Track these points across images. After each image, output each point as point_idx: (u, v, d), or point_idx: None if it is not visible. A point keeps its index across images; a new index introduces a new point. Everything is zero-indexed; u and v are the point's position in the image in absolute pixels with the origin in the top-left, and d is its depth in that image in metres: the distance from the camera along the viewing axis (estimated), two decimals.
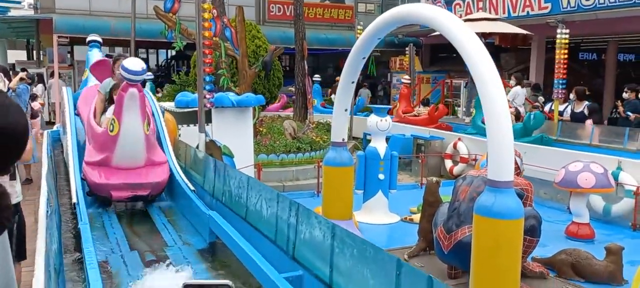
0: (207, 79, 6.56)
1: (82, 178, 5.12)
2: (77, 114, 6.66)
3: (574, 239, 6.18)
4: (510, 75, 12.35)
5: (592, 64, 21.00)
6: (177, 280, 3.35)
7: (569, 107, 10.45)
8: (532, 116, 9.34)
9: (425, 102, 13.19)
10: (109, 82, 5.77)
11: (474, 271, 3.82)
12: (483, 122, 11.00)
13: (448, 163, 10.07)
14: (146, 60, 26.87)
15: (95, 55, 7.79)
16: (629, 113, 8.96)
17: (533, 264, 5.13)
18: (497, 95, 3.75)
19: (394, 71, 19.92)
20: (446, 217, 4.95)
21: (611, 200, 6.93)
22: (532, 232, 4.59)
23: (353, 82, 5.65)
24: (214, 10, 9.07)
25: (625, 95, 9.32)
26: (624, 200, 6.82)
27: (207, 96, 6.56)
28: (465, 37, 3.98)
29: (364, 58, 5.46)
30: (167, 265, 3.60)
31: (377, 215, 6.88)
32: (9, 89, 8.72)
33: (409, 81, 13.90)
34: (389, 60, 21.11)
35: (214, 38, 9.13)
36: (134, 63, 4.87)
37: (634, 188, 6.64)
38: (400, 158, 10.71)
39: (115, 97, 5.17)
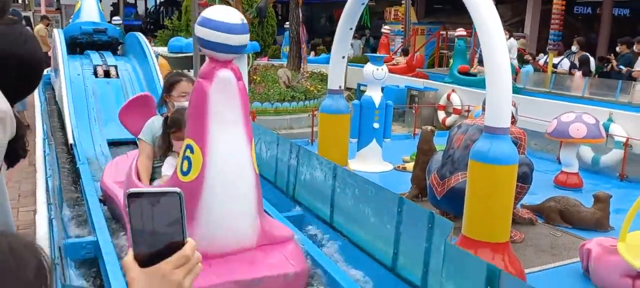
0: None
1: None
2: (102, 201, 3.80)
3: (562, 188, 6.32)
4: (509, 31, 12.25)
5: (587, 18, 20.87)
6: None
7: (565, 60, 10.46)
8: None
9: (405, 52, 13.11)
10: (156, 122, 3.52)
11: (467, 215, 3.92)
12: (459, 72, 11.38)
13: (441, 114, 10.13)
14: (134, 6, 26.27)
15: None
16: (622, 66, 9.00)
17: (522, 211, 5.26)
18: (498, 44, 3.75)
19: (389, 22, 19.67)
20: (440, 164, 5.03)
21: (600, 151, 7.05)
22: (524, 178, 4.69)
23: (351, 29, 5.60)
24: None
25: (618, 49, 9.35)
26: (612, 151, 6.94)
27: None
28: None
29: (363, 3, 5.40)
30: None
31: (371, 164, 6.95)
32: None
33: (388, 31, 13.96)
34: (383, 10, 20.80)
35: None
36: (224, 13, 2.52)
37: (623, 140, 6.75)
38: (394, 109, 10.77)
39: (174, 141, 3.26)
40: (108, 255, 2.52)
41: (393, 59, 13.18)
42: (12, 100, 1.51)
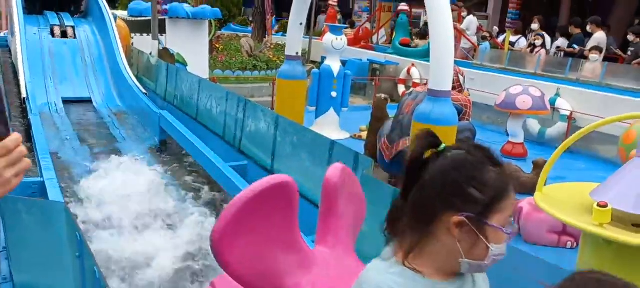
0: None
1: None
2: None
3: (509, 157, 6.61)
4: (469, 9, 12.54)
5: (547, 1, 21.36)
6: (126, 165, 3.52)
7: (522, 38, 10.78)
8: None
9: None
10: None
11: None
12: (400, 43, 11.93)
13: (401, 88, 10.34)
14: None
15: None
16: (575, 46, 9.37)
17: None
18: (443, 16, 3.93)
19: None
20: (390, 129, 5.22)
21: (546, 124, 7.39)
22: None
23: None
24: None
25: (570, 29, 9.74)
26: (557, 124, 7.28)
27: (160, 2, 6.47)
28: None
29: None
30: (120, 157, 3.74)
31: (328, 131, 7.09)
32: None
33: (335, 3, 14.49)
34: None
35: None
36: None
37: (568, 113, 7.08)
38: (355, 82, 10.96)
39: None
40: (53, 192, 2.62)
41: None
42: None
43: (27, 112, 4.31)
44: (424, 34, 11.28)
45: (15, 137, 0.85)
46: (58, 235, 1.61)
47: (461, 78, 5.45)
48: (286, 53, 5.87)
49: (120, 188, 3.31)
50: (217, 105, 3.71)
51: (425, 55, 10.06)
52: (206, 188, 3.59)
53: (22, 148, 0.87)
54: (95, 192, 3.34)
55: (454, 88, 5.24)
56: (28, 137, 3.94)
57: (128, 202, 3.20)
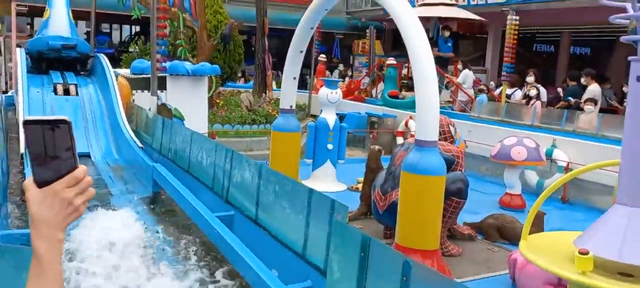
0: (160, 43, 6.66)
1: None
2: None
3: (507, 209, 6.58)
4: (464, 63, 12.85)
5: (546, 56, 21.80)
6: (118, 221, 3.55)
7: (518, 91, 10.95)
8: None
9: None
10: None
11: (399, 224, 4.13)
12: (389, 96, 12.40)
13: (399, 140, 10.43)
14: (109, 35, 26.42)
15: None
16: (570, 98, 9.51)
17: (463, 227, 5.49)
18: (426, 64, 4.04)
19: (356, 54, 20.23)
20: (383, 180, 5.25)
21: (545, 175, 7.39)
22: (460, 193, 4.92)
23: (302, 52, 5.87)
24: None
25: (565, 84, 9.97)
26: (555, 175, 7.28)
27: (160, 60, 6.67)
28: (402, 9, 4.25)
29: (311, 28, 5.68)
30: (110, 210, 3.77)
31: (325, 184, 7.14)
32: None
33: (324, 59, 15.27)
34: (352, 43, 21.39)
35: (173, 9, 9.20)
36: None
37: (565, 164, 7.10)
38: (354, 135, 11.08)
39: None
40: None
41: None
42: None
43: (24, 167, 4.39)
44: (410, 86, 12.25)
45: (82, 168, 0.98)
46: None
47: (452, 129, 5.52)
48: (280, 106, 5.99)
49: (108, 240, 3.33)
50: (207, 157, 3.78)
51: (412, 106, 10.55)
52: (194, 238, 3.61)
53: (88, 179, 1.00)
54: (83, 244, 3.37)
55: (445, 139, 5.31)
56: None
57: (114, 253, 3.21)
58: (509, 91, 10.69)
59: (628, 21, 2.70)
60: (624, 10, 2.69)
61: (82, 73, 7.85)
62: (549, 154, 7.32)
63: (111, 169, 5.35)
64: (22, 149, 4.74)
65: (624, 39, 2.70)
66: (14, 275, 1.78)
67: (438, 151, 4.13)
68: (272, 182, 2.80)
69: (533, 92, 9.68)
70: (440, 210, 4.14)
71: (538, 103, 9.73)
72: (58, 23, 7.59)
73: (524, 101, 10.18)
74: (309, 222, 2.41)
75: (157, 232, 3.70)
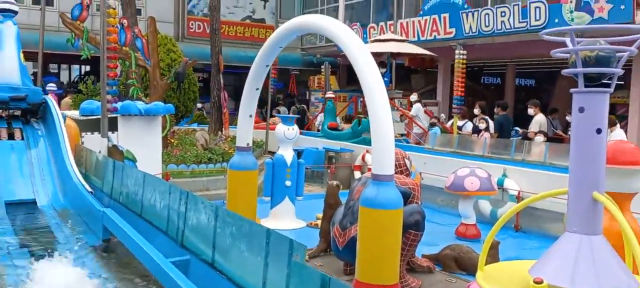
0: (111, 83, 6.52)
1: None
2: None
3: (463, 239, 6.68)
4: (418, 94, 13.22)
5: (493, 87, 22.70)
6: (67, 271, 3.38)
7: (469, 122, 11.28)
8: (359, 122, 12.03)
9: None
10: None
11: (358, 259, 4.12)
12: (329, 127, 12.90)
13: (357, 174, 10.50)
14: (57, 75, 25.74)
15: (9, 30, 7.00)
16: (517, 129, 9.94)
17: (421, 259, 5.52)
18: (380, 100, 4.09)
19: (312, 89, 20.45)
20: (342, 216, 5.24)
21: (497, 204, 7.57)
22: (417, 226, 4.96)
23: (257, 89, 5.85)
24: (125, 20, 9.02)
25: (495, 110, 10.45)
26: (508, 204, 7.47)
27: (111, 101, 6.51)
28: (354, 46, 4.33)
29: (267, 66, 5.69)
30: (58, 259, 3.60)
31: (284, 221, 7.06)
32: None
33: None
34: (308, 79, 21.63)
35: (125, 48, 9.06)
36: None
37: (516, 193, 7.30)
38: (312, 170, 11.08)
39: None
40: None
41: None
42: None
43: None
44: (349, 118, 13.37)
45: None
46: None
47: (407, 162, 5.59)
48: (237, 144, 5.93)
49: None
50: (161, 200, 3.67)
51: (350, 137, 11.85)
52: (149, 286, 3.47)
53: None
54: None
55: (401, 172, 5.37)
56: None
57: None
58: (460, 123, 11.01)
59: (568, 55, 2.83)
60: (564, 44, 2.83)
61: (31, 121, 7.38)
62: (500, 184, 7.52)
63: (58, 215, 5.12)
64: None
65: (565, 72, 2.83)
66: None
67: (394, 185, 4.16)
68: (228, 224, 2.74)
69: (482, 125, 10.02)
70: (398, 243, 4.15)
71: (487, 134, 10.06)
72: (7, 69, 6.86)
73: (472, 133, 10.51)
74: (268, 263, 2.36)
75: (107, 282, 3.55)
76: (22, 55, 7.23)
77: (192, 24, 21.86)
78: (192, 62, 11.38)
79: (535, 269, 2.87)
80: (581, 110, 2.79)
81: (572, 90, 2.82)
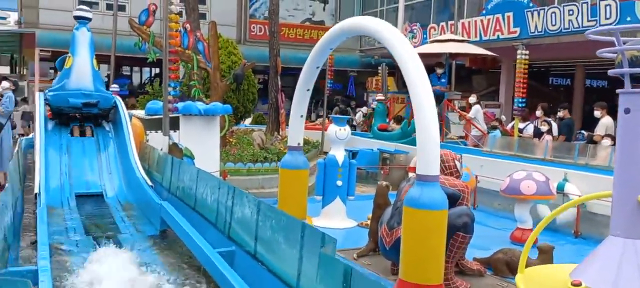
0: (172, 84, 6.87)
1: None
2: None
3: (518, 244, 6.50)
4: (477, 96, 12.93)
5: (563, 89, 21.73)
6: (124, 257, 3.65)
7: (530, 125, 10.92)
8: (407, 123, 12.49)
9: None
10: None
11: (402, 259, 4.14)
12: (379, 129, 12.84)
13: (412, 175, 10.44)
14: (129, 77, 27.22)
15: (83, 37, 7.37)
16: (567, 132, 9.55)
17: (472, 262, 5.44)
18: (426, 101, 4.10)
19: (370, 91, 20.43)
20: (389, 216, 5.27)
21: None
22: (466, 228, 4.91)
23: (308, 90, 5.99)
24: (188, 24, 9.45)
25: (559, 113, 10.00)
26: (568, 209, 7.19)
27: (173, 101, 6.86)
28: (400, 47, 4.36)
29: (318, 67, 5.82)
30: (118, 247, 3.87)
31: (335, 220, 7.15)
32: None
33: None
34: (366, 80, 21.64)
35: (187, 51, 9.48)
36: None
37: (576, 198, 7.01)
38: (366, 171, 11.10)
39: None
40: (43, 278, 2.76)
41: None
42: None
43: (36, 207, 4.55)
44: (398, 119, 13.72)
45: None
46: None
47: (458, 163, 5.54)
48: (288, 144, 6.09)
49: (115, 277, 3.42)
50: (212, 194, 3.87)
51: (399, 137, 12.17)
52: (198, 275, 3.67)
53: None
54: (89, 280, 3.46)
55: (451, 173, 5.33)
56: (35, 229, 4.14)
57: None
58: (521, 125, 10.69)
59: (615, 55, 2.75)
60: (612, 44, 2.75)
61: (101, 124, 7.53)
62: (560, 188, 7.26)
63: (122, 207, 5.48)
64: (36, 189, 4.91)
65: (611, 72, 2.75)
66: None
67: (439, 185, 4.15)
68: (268, 217, 2.88)
69: (544, 127, 9.68)
70: (443, 244, 4.13)
71: (549, 137, 9.70)
72: (80, 75, 7.11)
73: (535, 137, 10.18)
74: (302, 255, 2.47)
75: (160, 270, 3.78)
76: (95, 61, 7.59)
77: (253, 27, 22.43)
78: (250, 64, 11.71)
79: (577, 272, 2.81)
80: (627, 111, 2.70)
81: (618, 90, 2.74)
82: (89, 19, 7.69)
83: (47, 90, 7.35)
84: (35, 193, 4.90)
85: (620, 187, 2.67)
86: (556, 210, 2.96)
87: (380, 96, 14.98)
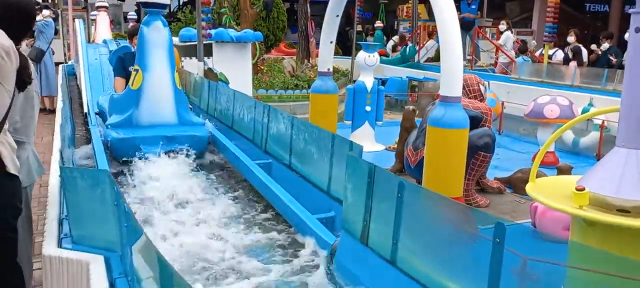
0: (205, 10, 7.10)
1: None
2: None
3: (540, 166, 6.73)
4: (507, 23, 12.72)
5: (597, 15, 21.00)
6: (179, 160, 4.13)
7: (559, 51, 10.82)
8: (407, 49, 13.99)
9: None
10: None
11: (425, 174, 4.45)
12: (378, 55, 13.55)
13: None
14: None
15: (156, 37, 4.75)
16: (611, 58, 9.41)
17: (492, 181, 5.74)
18: (450, 26, 4.27)
19: (401, 19, 20.16)
20: (415, 137, 5.56)
21: (581, 134, 7.46)
22: (487, 148, 5.18)
23: (338, 16, 6.16)
24: None
25: (603, 42, 9.84)
26: (591, 133, 7.34)
27: (205, 28, 7.11)
28: None
29: None
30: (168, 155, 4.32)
31: (364, 144, 7.35)
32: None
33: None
34: (396, 8, 21.30)
35: None
36: None
37: (600, 122, 7.15)
38: (395, 99, 11.29)
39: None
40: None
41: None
42: (15, 40, 2.13)
43: (88, 125, 4.97)
44: (395, 45, 15.31)
45: None
46: (102, 194, 2.10)
47: (482, 87, 5.72)
48: (318, 69, 6.33)
49: (168, 173, 3.93)
50: (248, 113, 4.20)
51: (399, 62, 13.30)
52: (238, 181, 4.07)
53: None
54: (144, 175, 3.97)
55: (474, 97, 5.54)
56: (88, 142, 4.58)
57: (171, 184, 3.79)
58: (550, 52, 10.59)
59: None
60: None
61: None
62: (584, 112, 7.36)
63: None
64: (85, 109, 5.32)
65: None
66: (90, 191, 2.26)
67: (461, 106, 4.39)
68: (301, 131, 3.19)
69: (570, 54, 9.59)
70: (463, 161, 4.42)
71: (574, 63, 9.63)
72: (156, 100, 4.76)
73: (564, 63, 10.11)
74: (332, 162, 2.79)
75: (206, 177, 4.21)
76: (177, 75, 4.98)
77: None
78: None
79: (582, 180, 3.07)
80: (638, 30, 2.85)
81: (629, 9, 2.88)
82: (165, 6, 4.97)
83: (107, 124, 4.68)
84: (85, 113, 5.32)
85: (628, 101, 2.87)
86: (565, 126, 3.17)
87: (379, 23, 16.43)
